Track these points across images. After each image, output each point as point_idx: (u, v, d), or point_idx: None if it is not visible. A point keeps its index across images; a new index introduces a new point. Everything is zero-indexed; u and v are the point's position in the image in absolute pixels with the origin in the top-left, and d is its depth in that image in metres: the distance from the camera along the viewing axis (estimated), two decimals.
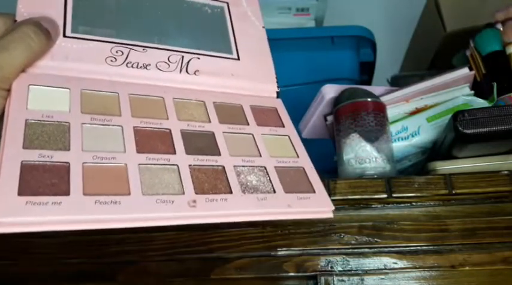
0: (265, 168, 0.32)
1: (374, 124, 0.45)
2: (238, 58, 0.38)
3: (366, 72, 0.76)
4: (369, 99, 0.46)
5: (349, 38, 0.71)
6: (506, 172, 0.39)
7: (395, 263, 0.38)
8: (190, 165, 0.29)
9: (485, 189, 0.39)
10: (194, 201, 0.27)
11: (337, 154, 0.48)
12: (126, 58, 0.33)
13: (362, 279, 0.38)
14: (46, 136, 0.27)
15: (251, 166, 0.31)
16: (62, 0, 0.33)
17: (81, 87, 0.31)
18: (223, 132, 0.33)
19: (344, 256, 0.39)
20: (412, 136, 0.49)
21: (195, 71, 0.35)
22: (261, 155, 0.33)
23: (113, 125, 0.30)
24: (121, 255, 0.39)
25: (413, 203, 0.40)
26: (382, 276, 0.38)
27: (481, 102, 0.50)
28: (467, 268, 0.38)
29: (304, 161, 0.34)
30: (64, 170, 0.25)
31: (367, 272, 0.38)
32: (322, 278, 0.38)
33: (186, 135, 0.31)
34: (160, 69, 0.34)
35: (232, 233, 0.39)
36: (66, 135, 0.27)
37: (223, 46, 0.38)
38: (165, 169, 0.28)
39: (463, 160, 0.43)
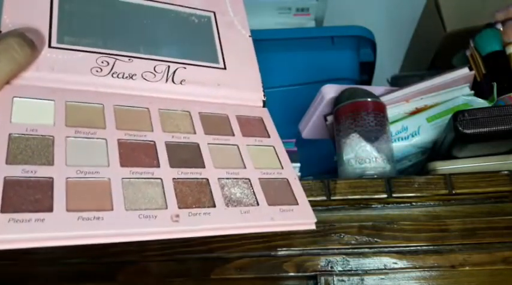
0: (250, 180, 0.32)
1: (374, 124, 0.45)
2: (225, 68, 0.38)
3: (366, 72, 0.76)
4: (369, 99, 0.46)
5: (349, 38, 0.71)
6: (506, 172, 0.39)
7: (395, 263, 0.38)
8: (174, 178, 0.29)
9: (485, 189, 0.39)
10: (177, 215, 0.27)
11: (337, 154, 0.48)
12: (112, 68, 0.33)
13: (362, 279, 0.38)
14: (30, 150, 0.27)
15: (235, 178, 0.31)
16: (48, 11, 0.33)
17: (66, 99, 0.31)
18: (208, 143, 0.33)
19: (344, 256, 0.39)
20: (412, 136, 0.49)
21: (181, 81, 0.35)
22: (245, 167, 0.33)
23: (97, 138, 0.29)
24: (121, 255, 0.39)
25: (413, 203, 0.40)
26: (382, 276, 0.38)
27: (481, 102, 0.50)
28: (467, 268, 0.38)
29: (289, 172, 0.34)
30: (47, 185, 0.25)
31: (367, 272, 0.38)
32: (322, 278, 0.38)
33: (170, 147, 0.31)
34: (146, 79, 0.34)
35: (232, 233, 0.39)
36: (50, 149, 0.27)
37: (209, 55, 0.38)
38: (149, 183, 0.28)
39: (463, 160, 0.43)
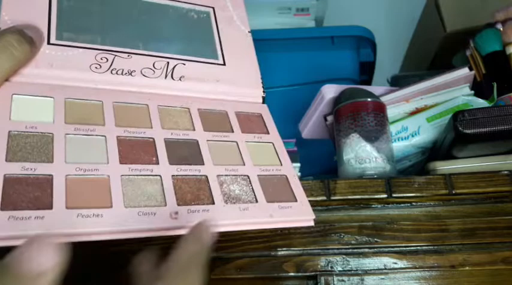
0: (248, 177, 0.32)
1: (374, 124, 0.45)
2: (224, 64, 0.38)
3: (366, 72, 0.76)
4: (369, 99, 0.46)
5: (349, 38, 0.71)
6: (506, 172, 0.39)
7: (395, 263, 0.38)
8: (173, 175, 0.29)
9: (485, 189, 0.39)
10: (176, 213, 0.27)
11: (337, 154, 0.48)
12: (111, 65, 0.33)
13: (362, 279, 0.38)
14: (29, 147, 0.27)
15: (234, 175, 0.31)
16: (46, 7, 0.33)
17: (65, 96, 0.31)
18: (208, 140, 0.33)
19: (344, 256, 0.39)
20: (412, 136, 0.49)
21: (181, 77, 0.35)
22: (244, 164, 0.33)
23: (97, 135, 0.29)
24: (121, 255, 0.39)
25: (413, 203, 0.40)
26: (382, 276, 0.38)
27: (481, 102, 0.50)
28: (467, 268, 0.38)
29: (287, 169, 0.34)
30: (47, 183, 0.25)
31: (367, 272, 0.38)
32: (322, 278, 0.38)
33: (169, 144, 0.31)
34: (145, 76, 0.34)
35: (232, 233, 0.39)
36: (49, 146, 0.27)
37: (209, 51, 0.38)
38: (148, 180, 0.28)
39: (463, 160, 0.43)
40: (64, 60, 0.31)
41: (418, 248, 0.39)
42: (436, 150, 0.48)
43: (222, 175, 0.31)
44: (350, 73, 0.71)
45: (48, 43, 0.32)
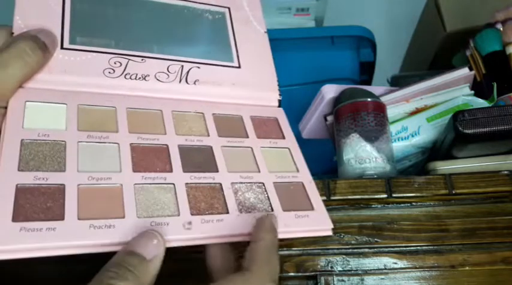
0: (264, 184, 0.31)
1: (374, 124, 0.45)
2: (239, 66, 0.37)
3: (366, 72, 0.76)
4: (369, 99, 0.47)
5: (349, 38, 0.71)
6: (506, 172, 0.39)
7: (395, 263, 0.38)
8: (187, 183, 0.29)
9: (485, 189, 0.39)
10: (189, 223, 0.27)
11: (337, 154, 0.48)
12: (125, 69, 0.32)
13: (362, 279, 0.38)
14: (42, 156, 0.26)
15: (249, 183, 0.31)
16: (60, 11, 0.32)
17: (78, 102, 0.30)
18: (222, 146, 0.32)
19: (344, 256, 0.39)
20: (412, 136, 0.49)
21: (195, 81, 0.35)
22: (259, 171, 0.32)
23: (110, 142, 0.29)
24: None
25: (413, 203, 0.40)
26: (382, 276, 0.38)
27: (481, 102, 0.50)
28: (467, 268, 0.38)
29: (304, 175, 0.33)
30: (59, 192, 0.25)
31: (367, 272, 0.38)
32: (322, 278, 0.38)
33: (183, 150, 0.31)
34: (159, 80, 0.33)
35: None
36: (62, 154, 0.27)
37: (224, 54, 0.37)
38: (161, 188, 0.28)
39: (463, 160, 0.43)
40: (77, 65, 0.31)
41: (418, 248, 0.39)
42: (436, 150, 0.48)
43: (236, 183, 0.30)
44: (350, 73, 0.71)
45: (62, 47, 0.31)
